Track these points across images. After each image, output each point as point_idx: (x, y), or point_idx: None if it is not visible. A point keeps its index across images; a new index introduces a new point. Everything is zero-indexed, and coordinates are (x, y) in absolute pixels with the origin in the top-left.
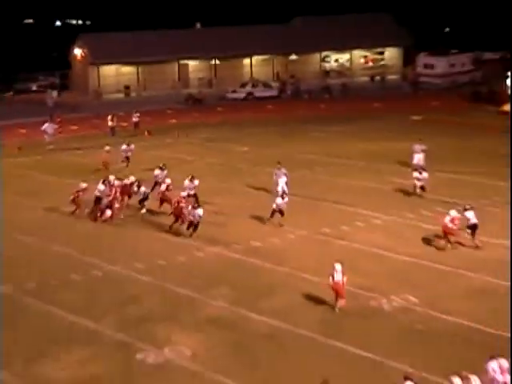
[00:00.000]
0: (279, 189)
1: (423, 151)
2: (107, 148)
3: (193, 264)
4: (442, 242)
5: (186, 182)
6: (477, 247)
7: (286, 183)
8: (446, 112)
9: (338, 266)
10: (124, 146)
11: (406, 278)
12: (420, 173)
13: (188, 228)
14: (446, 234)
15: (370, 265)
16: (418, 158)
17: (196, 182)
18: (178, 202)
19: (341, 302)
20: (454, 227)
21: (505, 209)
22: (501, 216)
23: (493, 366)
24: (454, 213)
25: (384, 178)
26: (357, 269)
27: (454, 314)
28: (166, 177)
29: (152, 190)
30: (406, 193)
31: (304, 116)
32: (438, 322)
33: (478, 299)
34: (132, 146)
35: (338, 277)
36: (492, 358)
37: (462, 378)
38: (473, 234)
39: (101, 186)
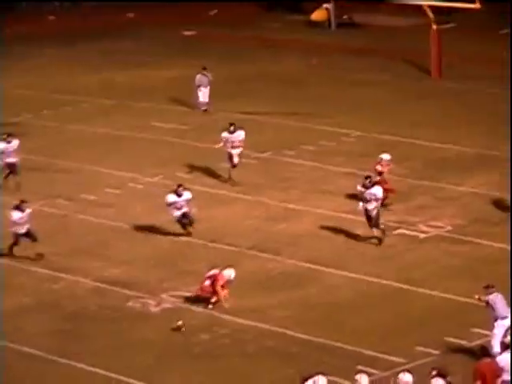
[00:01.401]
0: None
1: (209, 83)
2: None
3: None
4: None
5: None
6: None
7: None
8: (230, 23)
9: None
10: None
11: (177, 264)
12: (232, 133)
13: None
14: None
15: (128, 247)
16: (204, 94)
17: None
18: None
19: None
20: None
21: (316, 161)
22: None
23: None
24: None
25: (146, 122)
26: (107, 255)
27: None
28: None
29: None
30: (179, 143)
31: (22, 33)
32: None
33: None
34: None
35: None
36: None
37: None
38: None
39: None
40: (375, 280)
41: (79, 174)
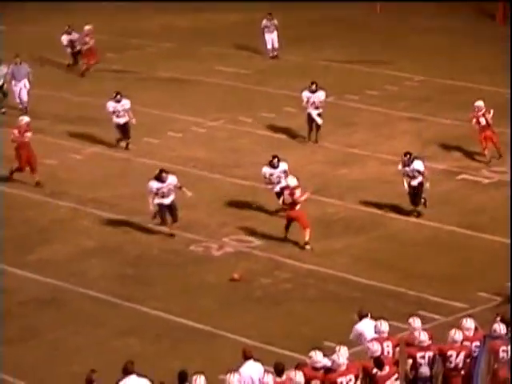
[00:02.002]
0: None
1: (276, 28)
2: None
3: None
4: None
5: None
6: None
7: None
8: None
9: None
10: None
11: (239, 208)
12: (313, 92)
13: None
14: None
15: (190, 191)
16: (271, 39)
17: None
18: None
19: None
20: None
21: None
22: (369, 117)
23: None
24: None
25: (209, 67)
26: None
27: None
28: None
29: None
30: (241, 88)
31: None
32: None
33: None
34: None
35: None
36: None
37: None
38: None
39: None
40: (438, 225)
41: (142, 118)
